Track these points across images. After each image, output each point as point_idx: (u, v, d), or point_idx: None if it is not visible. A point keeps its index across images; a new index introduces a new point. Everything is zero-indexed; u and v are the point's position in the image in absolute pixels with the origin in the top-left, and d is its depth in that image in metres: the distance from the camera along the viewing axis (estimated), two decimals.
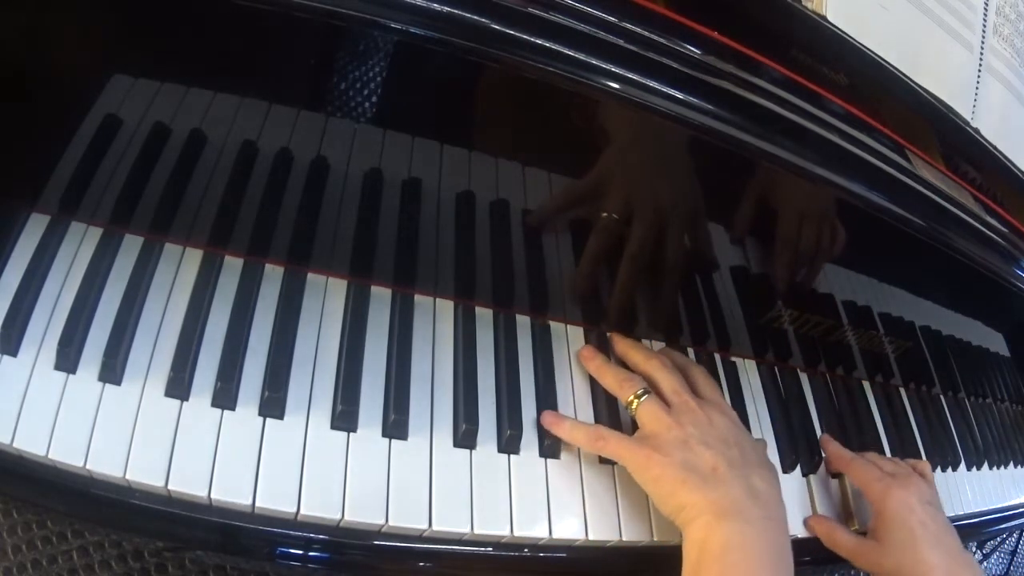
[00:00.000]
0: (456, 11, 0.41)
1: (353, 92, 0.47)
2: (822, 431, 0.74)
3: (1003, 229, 0.63)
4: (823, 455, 0.71)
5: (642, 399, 0.57)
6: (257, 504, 0.47)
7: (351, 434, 0.52)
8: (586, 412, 0.62)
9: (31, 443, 0.44)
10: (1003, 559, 1.17)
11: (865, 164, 0.54)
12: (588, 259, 0.59)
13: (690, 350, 0.70)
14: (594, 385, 0.63)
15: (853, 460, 0.68)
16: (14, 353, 0.47)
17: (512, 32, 0.43)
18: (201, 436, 0.48)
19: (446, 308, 0.61)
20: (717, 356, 0.72)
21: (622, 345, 0.65)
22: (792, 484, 0.68)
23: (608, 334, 0.66)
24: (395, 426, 0.53)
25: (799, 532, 0.66)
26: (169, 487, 0.46)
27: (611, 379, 0.60)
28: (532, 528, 0.54)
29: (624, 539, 0.57)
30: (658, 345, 0.69)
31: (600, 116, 0.50)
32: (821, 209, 0.59)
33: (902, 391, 0.86)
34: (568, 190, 0.55)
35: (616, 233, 0.57)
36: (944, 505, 0.79)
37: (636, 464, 0.55)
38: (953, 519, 0.81)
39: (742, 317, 0.69)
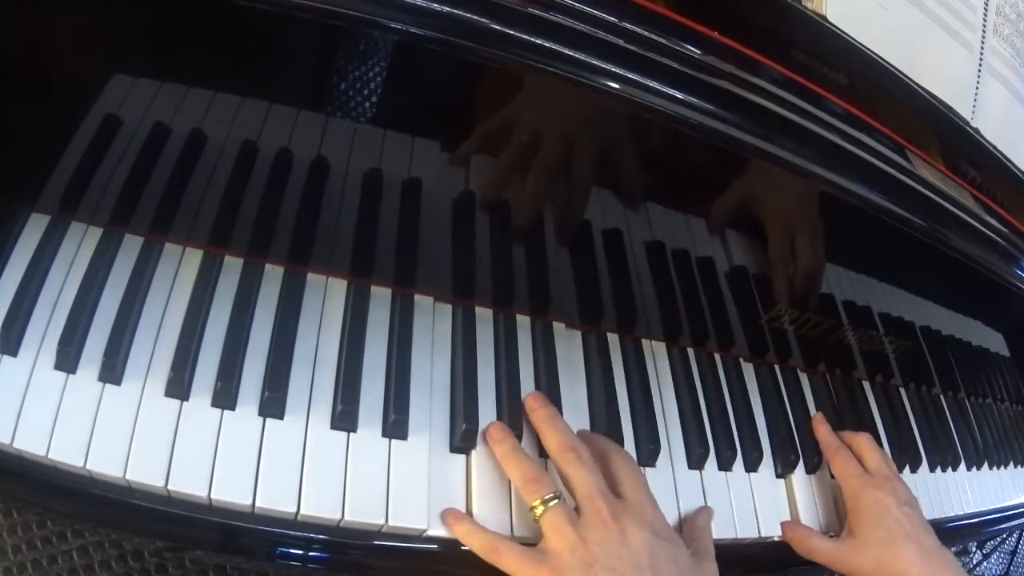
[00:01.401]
0: (456, 11, 0.41)
1: (353, 92, 0.47)
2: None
3: (1003, 229, 0.63)
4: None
5: (549, 505, 0.50)
6: (257, 504, 0.47)
7: (351, 434, 0.52)
8: (587, 413, 0.62)
9: (31, 443, 0.44)
10: (1003, 559, 1.17)
11: (865, 164, 0.54)
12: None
13: (690, 350, 0.70)
14: (594, 386, 0.63)
15: (838, 451, 0.68)
16: (14, 353, 0.47)
17: (512, 32, 0.43)
18: (201, 436, 0.48)
19: (446, 308, 0.61)
20: (717, 356, 0.72)
21: (539, 416, 0.56)
22: (793, 484, 0.68)
23: (526, 402, 0.58)
24: (395, 426, 0.53)
25: None
26: (169, 487, 0.46)
27: (517, 474, 0.52)
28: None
29: None
30: (659, 345, 0.69)
31: (603, 117, 0.50)
32: (820, 209, 0.59)
33: (902, 391, 0.86)
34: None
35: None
36: (944, 505, 0.80)
37: None
38: (953, 519, 0.81)
39: (742, 317, 0.69)
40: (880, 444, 0.77)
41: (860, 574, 0.61)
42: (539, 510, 0.50)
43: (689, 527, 0.59)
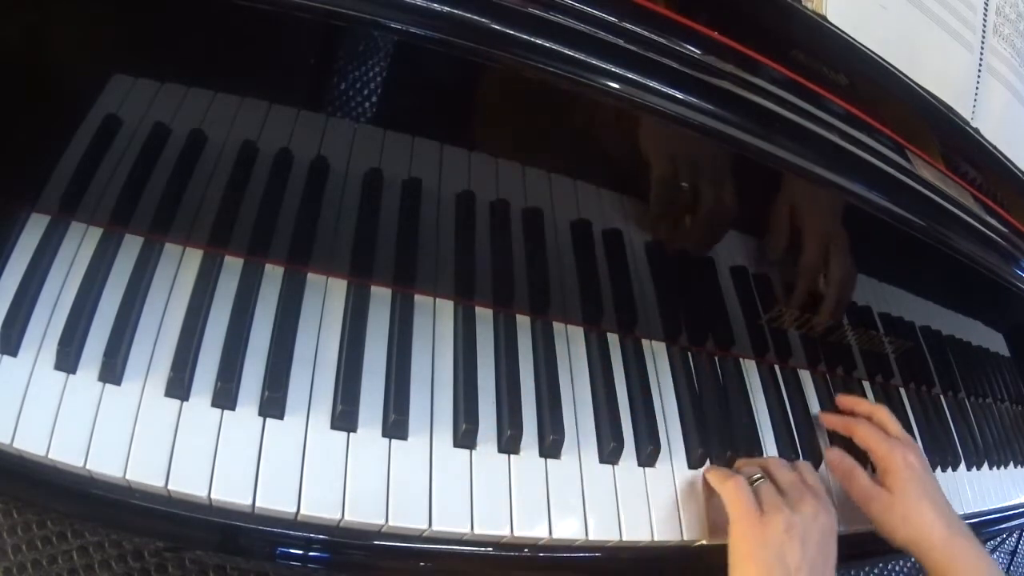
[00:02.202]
0: (456, 11, 0.41)
1: (353, 92, 0.47)
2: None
3: (1003, 229, 0.63)
4: (823, 425, 0.74)
5: (756, 482, 0.59)
6: (257, 504, 0.47)
7: (351, 434, 0.52)
8: (587, 412, 0.62)
9: (31, 443, 0.44)
10: (1003, 559, 1.17)
11: (865, 164, 0.54)
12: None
13: (690, 350, 0.70)
14: (595, 386, 0.63)
15: (857, 423, 0.70)
16: (14, 353, 0.47)
17: (512, 32, 0.43)
18: (201, 436, 0.48)
19: (446, 308, 0.61)
20: (717, 356, 0.72)
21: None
22: None
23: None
24: (395, 426, 0.53)
25: None
26: (169, 487, 0.46)
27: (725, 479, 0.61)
28: (532, 528, 0.54)
29: (624, 539, 0.57)
30: (659, 345, 0.69)
31: (600, 116, 0.50)
32: (821, 209, 0.59)
33: (902, 391, 0.86)
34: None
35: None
36: None
37: (743, 524, 0.56)
38: None
39: (742, 317, 0.69)
40: None
41: (884, 521, 0.64)
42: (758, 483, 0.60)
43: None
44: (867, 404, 0.73)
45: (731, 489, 0.58)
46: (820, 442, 0.73)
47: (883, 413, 0.71)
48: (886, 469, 0.66)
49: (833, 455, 0.69)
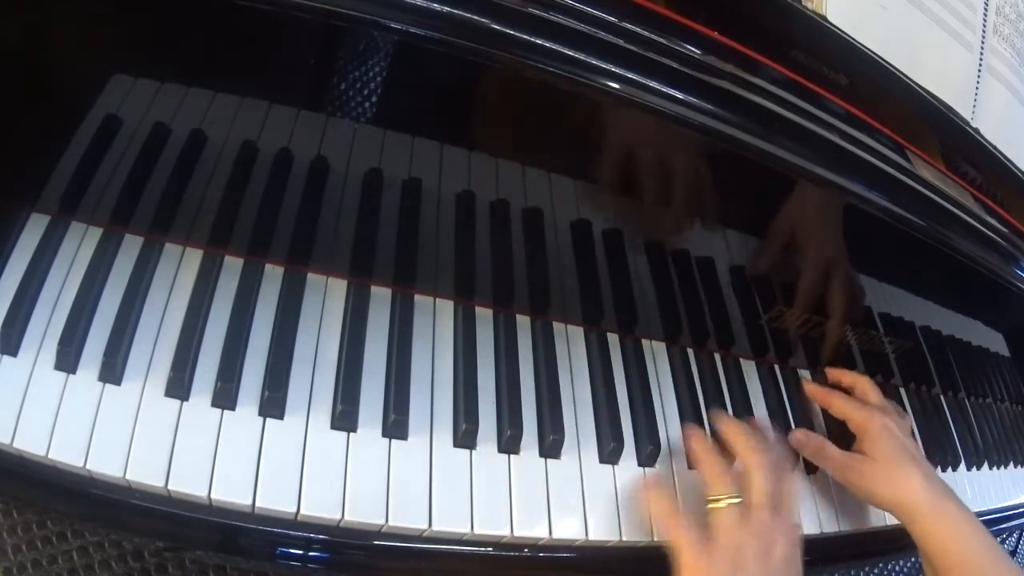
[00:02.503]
0: (456, 11, 0.41)
1: (353, 92, 0.47)
2: (828, 432, 0.74)
3: (1003, 229, 0.63)
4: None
5: (731, 502, 0.55)
6: (257, 504, 0.47)
7: (351, 434, 0.52)
8: (587, 412, 0.62)
9: (31, 443, 0.44)
10: None
11: (865, 164, 0.54)
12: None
13: (690, 350, 0.70)
14: (595, 386, 0.63)
15: (832, 394, 0.71)
16: (14, 353, 0.47)
17: (512, 32, 0.43)
18: (201, 436, 0.48)
19: (446, 308, 0.61)
20: (717, 355, 0.72)
21: (729, 428, 0.62)
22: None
23: (714, 417, 0.64)
24: (395, 426, 0.53)
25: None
26: (169, 487, 0.46)
27: (709, 469, 0.58)
28: (532, 528, 0.54)
29: (624, 539, 0.57)
30: (659, 345, 0.69)
31: (600, 116, 0.50)
32: (821, 209, 0.59)
33: (902, 391, 0.86)
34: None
35: None
36: None
37: (686, 557, 0.53)
38: None
39: (742, 317, 0.69)
40: None
41: (866, 487, 0.63)
42: (720, 503, 0.55)
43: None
44: (850, 375, 0.74)
45: (671, 529, 0.55)
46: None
47: (864, 383, 0.72)
48: (864, 435, 0.66)
49: (798, 436, 0.68)
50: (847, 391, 0.73)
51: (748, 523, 0.54)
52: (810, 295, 0.67)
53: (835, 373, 0.75)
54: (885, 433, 0.64)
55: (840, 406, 0.70)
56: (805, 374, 0.77)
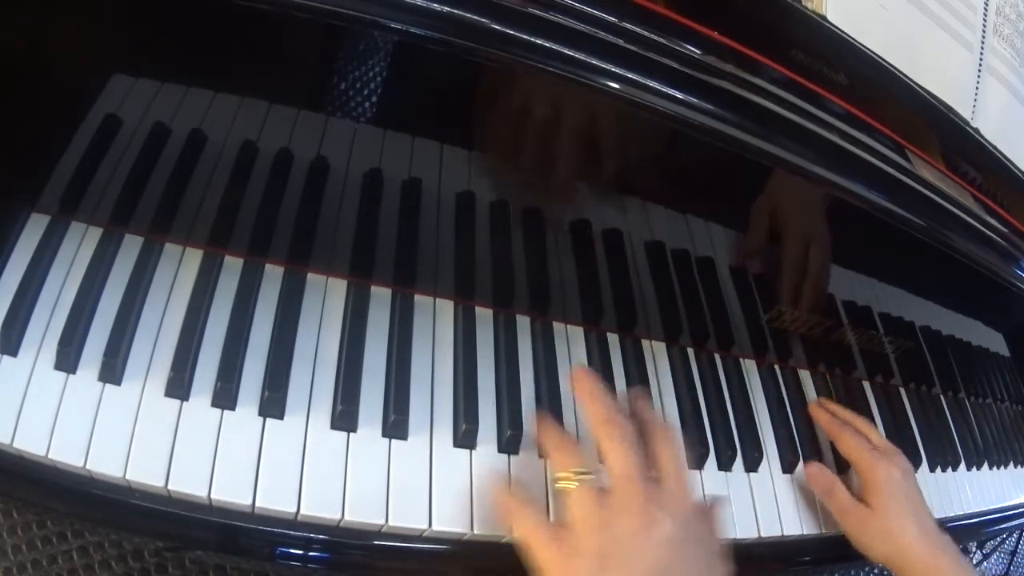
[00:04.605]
0: (456, 11, 0.41)
1: (353, 92, 0.47)
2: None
3: (1003, 229, 0.63)
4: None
5: (580, 479, 0.46)
6: (257, 504, 0.47)
7: (351, 434, 0.52)
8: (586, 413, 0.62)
9: (31, 443, 0.44)
10: (1003, 559, 1.17)
11: (865, 164, 0.54)
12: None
13: (690, 350, 0.70)
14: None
15: (843, 429, 0.69)
16: (14, 353, 0.47)
17: (512, 32, 0.43)
18: (201, 436, 0.48)
19: (446, 308, 0.61)
20: (718, 356, 0.72)
21: (582, 387, 0.53)
22: (794, 484, 0.68)
23: (573, 373, 0.57)
24: (395, 426, 0.53)
25: (795, 530, 0.66)
26: (169, 487, 0.46)
27: (550, 442, 0.52)
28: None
29: None
30: (659, 345, 0.69)
31: (600, 116, 0.50)
32: (820, 209, 0.59)
33: (902, 391, 0.86)
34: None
35: None
36: (944, 505, 0.80)
37: (541, 559, 0.46)
38: (953, 519, 0.81)
39: (742, 317, 0.69)
40: None
41: (858, 536, 0.64)
42: (567, 483, 0.47)
43: None
44: (849, 413, 0.73)
45: (515, 527, 0.48)
46: (820, 443, 0.73)
47: (862, 423, 0.71)
48: (868, 484, 0.65)
49: (813, 470, 0.68)
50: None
51: (612, 500, 0.46)
52: (810, 294, 0.67)
53: (831, 408, 0.73)
54: (888, 484, 0.64)
55: (848, 446, 0.68)
56: (805, 374, 0.77)
